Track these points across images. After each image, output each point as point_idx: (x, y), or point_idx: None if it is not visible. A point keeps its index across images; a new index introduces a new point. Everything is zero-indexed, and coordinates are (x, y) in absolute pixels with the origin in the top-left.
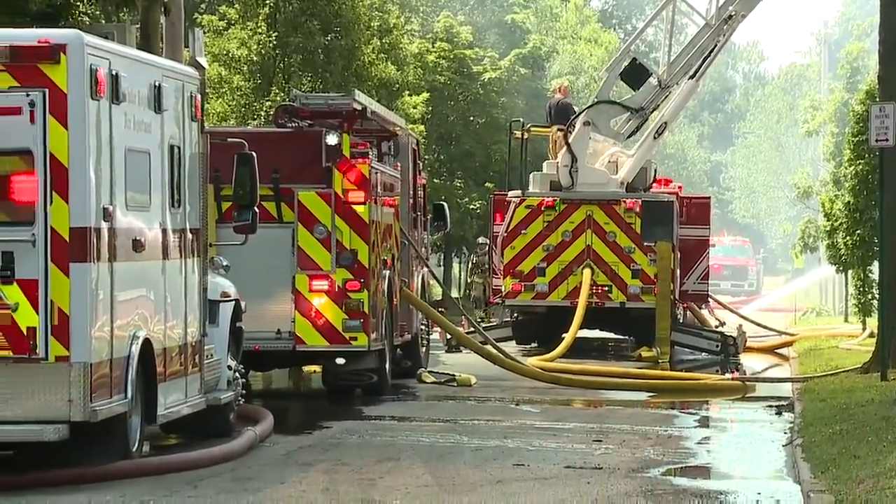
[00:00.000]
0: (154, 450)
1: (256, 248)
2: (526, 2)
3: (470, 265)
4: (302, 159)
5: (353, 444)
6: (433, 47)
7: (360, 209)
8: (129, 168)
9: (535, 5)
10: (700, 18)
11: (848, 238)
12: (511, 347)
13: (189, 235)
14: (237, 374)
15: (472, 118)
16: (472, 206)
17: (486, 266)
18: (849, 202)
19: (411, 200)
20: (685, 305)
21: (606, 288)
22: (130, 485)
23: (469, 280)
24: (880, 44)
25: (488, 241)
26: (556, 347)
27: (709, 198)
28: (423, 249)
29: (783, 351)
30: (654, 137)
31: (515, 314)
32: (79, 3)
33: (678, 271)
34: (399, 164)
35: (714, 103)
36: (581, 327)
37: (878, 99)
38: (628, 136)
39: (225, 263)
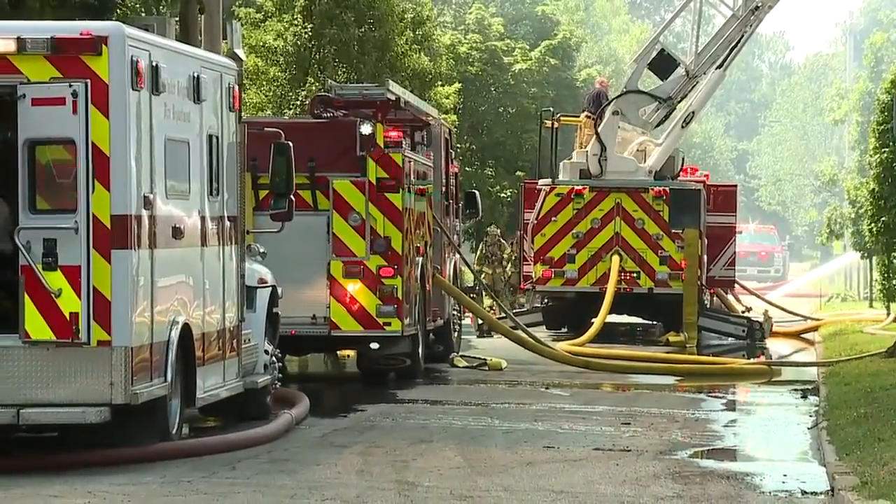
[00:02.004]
0: (193, 432)
1: (292, 236)
2: None
3: (479, 254)
4: (337, 148)
5: (387, 427)
6: (465, 39)
7: (393, 197)
8: (168, 157)
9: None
10: (727, 9)
11: (872, 225)
12: (541, 332)
13: (227, 223)
14: (274, 359)
15: (501, 109)
16: (502, 195)
17: (496, 257)
18: (873, 189)
19: (443, 188)
20: (712, 291)
21: (635, 274)
22: (170, 466)
23: (478, 269)
24: None
25: (498, 231)
26: (585, 332)
27: (735, 186)
28: (455, 236)
29: (808, 336)
30: (682, 126)
31: (546, 300)
32: None
33: (705, 258)
34: (431, 152)
35: (740, 92)
36: (610, 313)
37: None
38: (656, 126)
39: (262, 250)
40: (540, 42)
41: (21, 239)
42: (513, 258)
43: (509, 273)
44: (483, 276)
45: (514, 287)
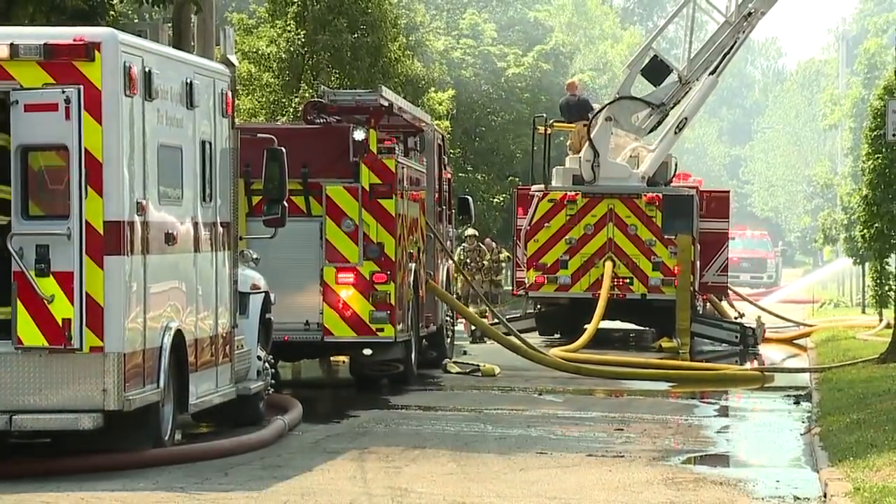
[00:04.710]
0: (186, 438)
1: (285, 241)
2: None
3: (456, 260)
4: (330, 154)
5: (380, 433)
6: (458, 44)
7: (386, 203)
8: (161, 163)
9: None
10: (720, 16)
11: (865, 231)
12: (534, 338)
13: (220, 229)
14: (267, 365)
15: (494, 115)
16: (495, 200)
17: (475, 263)
18: (866, 195)
19: (436, 194)
20: (705, 297)
21: (628, 280)
22: (163, 472)
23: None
24: None
25: (477, 234)
26: (578, 338)
27: (728, 192)
28: (448, 242)
29: (801, 342)
30: (675, 132)
31: (539, 306)
32: (113, 2)
33: (698, 263)
34: (425, 158)
35: (733, 98)
36: (603, 318)
37: (895, 95)
38: (649, 132)
39: (255, 256)
40: (532, 47)
41: (13, 245)
42: (493, 267)
43: (485, 285)
44: (461, 282)
45: (493, 296)
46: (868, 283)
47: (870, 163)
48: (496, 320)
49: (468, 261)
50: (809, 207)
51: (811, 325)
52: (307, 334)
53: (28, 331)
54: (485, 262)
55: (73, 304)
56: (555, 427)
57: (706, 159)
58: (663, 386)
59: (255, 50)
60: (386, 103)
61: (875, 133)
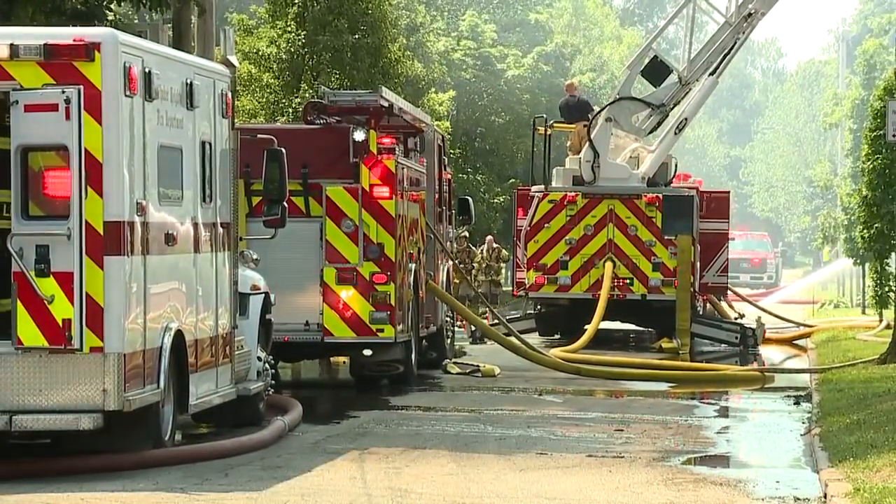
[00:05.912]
0: (186, 439)
1: (285, 242)
2: (548, 4)
3: None
4: (330, 155)
5: (380, 434)
6: (458, 45)
7: (386, 204)
8: (161, 163)
9: (559, 4)
10: (720, 16)
11: (865, 231)
12: (534, 339)
13: (220, 229)
14: (267, 365)
15: (494, 116)
16: (494, 201)
17: (465, 265)
18: (866, 196)
19: (436, 195)
20: (705, 298)
21: (628, 280)
22: (163, 472)
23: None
24: None
25: (467, 235)
26: (578, 339)
27: (728, 192)
28: (448, 243)
29: (801, 342)
30: (675, 133)
31: (539, 306)
32: (112, 3)
33: (698, 264)
34: (425, 159)
35: (732, 99)
36: (603, 319)
37: (895, 95)
38: (649, 132)
39: (255, 257)
40: (532, 49)
41: (14, 245)
42: (483, 266)
43: (479, 282)
44: (451, 286)
45: (485, 297)
46: (868, 283)
47: (870, 163)
48: (496, 321)
49: (457, 261)
50: (809, 208)
51: (811, 326)
52: (307, 335)
53: (28, 331)
54: (474, 264)
55: (73, 304)
56: (555, 428)
57: (706, 160)
58: (663, 386)
59: (255, 50)
60: (386, 104)
61: (875, 133)
